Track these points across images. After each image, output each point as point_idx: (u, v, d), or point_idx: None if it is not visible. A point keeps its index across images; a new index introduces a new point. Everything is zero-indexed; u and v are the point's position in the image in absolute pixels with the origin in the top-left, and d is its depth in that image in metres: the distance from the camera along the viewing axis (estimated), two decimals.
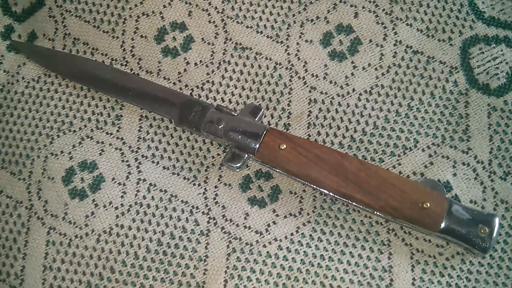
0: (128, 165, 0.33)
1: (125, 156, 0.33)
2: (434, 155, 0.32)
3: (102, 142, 0.33)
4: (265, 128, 0.30)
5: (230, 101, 0.33)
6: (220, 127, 0.30)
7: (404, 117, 0.33)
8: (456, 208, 0.28)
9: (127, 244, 0.31)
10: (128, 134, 0.33)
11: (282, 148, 0.30)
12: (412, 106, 0.33)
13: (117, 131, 0.33)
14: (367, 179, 0.29)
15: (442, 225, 0.28)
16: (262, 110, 0.31)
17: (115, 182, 0.32)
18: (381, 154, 0.32)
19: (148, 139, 0.33)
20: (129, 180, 0.32)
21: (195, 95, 0.33)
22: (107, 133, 0.33)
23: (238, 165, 0.30)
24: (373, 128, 0.32)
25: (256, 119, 0.31)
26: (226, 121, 0.30)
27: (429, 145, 0.32)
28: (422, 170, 0.32)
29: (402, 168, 0.32)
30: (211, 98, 0.33)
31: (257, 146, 0.29)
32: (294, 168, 0.29)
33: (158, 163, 0.32)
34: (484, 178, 0.32)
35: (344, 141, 0.32)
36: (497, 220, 0.28)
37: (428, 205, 0.28)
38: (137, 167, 0.33)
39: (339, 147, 0.32)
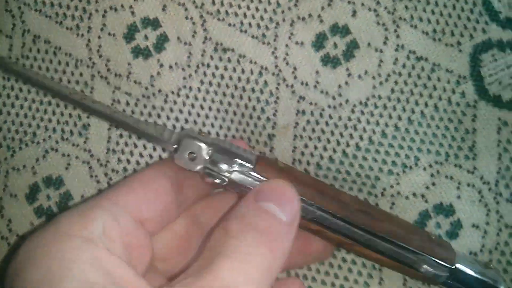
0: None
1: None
2: (436, 175, 0.28)
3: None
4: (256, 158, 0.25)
5: (210, 109, 0.29)
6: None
7: (404, 132, 0.28)
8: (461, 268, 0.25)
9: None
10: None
11: None
12: (413, 120, 0.28)
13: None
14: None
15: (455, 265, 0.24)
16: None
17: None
18: (377, 171, 0.28)
19: None
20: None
21: (170, 101, 0.29)
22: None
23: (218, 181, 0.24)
24: (368, 143, 0.28)
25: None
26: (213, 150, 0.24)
27: (431, 164, 0.28)
28: (422, 191, 0.28)
29: (401, 188, 0.28)
30: (188, 104, 0.29)
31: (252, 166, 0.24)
32: None
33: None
34: (489, 200, 0.28)
35: (335, 156, 0.28)
36: None
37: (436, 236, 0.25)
38: None
39: (329, 162, 0.28)
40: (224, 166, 0.23)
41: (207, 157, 0.24)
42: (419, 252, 0.24)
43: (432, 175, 0.28)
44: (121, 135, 0.29)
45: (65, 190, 0.29)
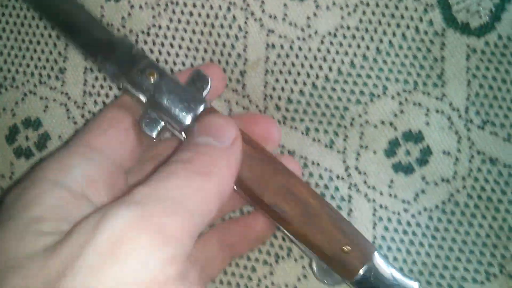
0: None
1: None
2: (404, 103, 0.28)
3: None
4: (205, 105, 0.24)
5: (180, 47, 0.29)
6: (150, 81, 0.23)
7: (372, 61, 0.28)
8: (378, 261, 0.24)
9: None
10: None
11: None
12: (381, 50, 0.28)
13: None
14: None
15: (358, 277, 0.24)
16: (210, 83, 0.25)
17: None
18: (346, 102, 0.28)
19: None
20: None
21: (141, 41, 0.29)
22: None
23: (153, 133, 0.24)
24: (337, 74, 0.28)
25: (204, 93, 0.24)
26: (161, 77, 0.24)
27: (399, 92, 0.28)
28: (391, 119, 0.28)
29: (369, 117, 0.28)
30: (158, 43, 0.29)
31: (188, 123, 0.24)
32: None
33: None
34: (460, 127, 0.28)
35: (305, 89, 0.29)
36: None
37: (349, 249, 0.24)
38: None
39: (299, 95, 0.29)
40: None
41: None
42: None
43: (400, 103, 0.28)
44: (96, 78, 0.30)
45: (43, 131, 0.30)
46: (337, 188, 0.28)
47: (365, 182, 0.28)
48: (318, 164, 0.28)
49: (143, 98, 0.24)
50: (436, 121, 0.28)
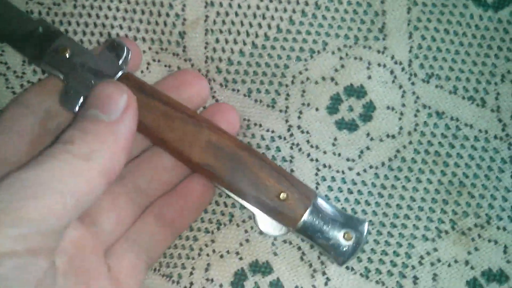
0: None
1: None
2: (345, 57, 0.27)
3: None
4: (122, 72, 0.24)
5: (117, 9, 0.28)
6: (64, 57, 0.24)
7: (311, 17, 0.28)
8: (321, 204, 0.24)
9: None
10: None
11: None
12: (320, 5, 0.28)
13: None
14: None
15: (300, 223, 0.23)
16: (127, 50, 0.24)
17: None
18: (286, 60, 0.28)
19: None
20: None
21: (79, 5, 0.28)
22: None
23: (72, 107, 0.24)
24: (276, 32, 0.28)
25: (120, 61, 0.24)
26: (74, 51, 0.24)
27: (340, 47, 0.28)
28: (332, 74, 0.27)
29: (310, 74, 0.27)
30: (96, 7, 0.28)
31: None
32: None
33: None
34: (404, 81, 0.28)
35: (245, 48, 0.28)
36: (366, 227, 0.24)
37: (286, 196, 0.23)
38: None
39: (240, 56, 0.28)
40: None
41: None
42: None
43: (341, 58, 0.27)
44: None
45: None
46: (278, 149, 0.27)
47: (307, 142, 0.28)
48: (260, 125, 0.28)
49: (60, 75, 0.24)
50: (379, 75, 0.27)
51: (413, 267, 0.27)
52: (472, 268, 0.26)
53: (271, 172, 0.23)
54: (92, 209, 0.22)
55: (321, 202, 0.24)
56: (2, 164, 0.22)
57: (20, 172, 0.19)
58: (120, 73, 0.24)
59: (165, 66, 0.29)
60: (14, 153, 0.23)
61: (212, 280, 0.27)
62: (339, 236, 0.24)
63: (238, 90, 0.28)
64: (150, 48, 0.28)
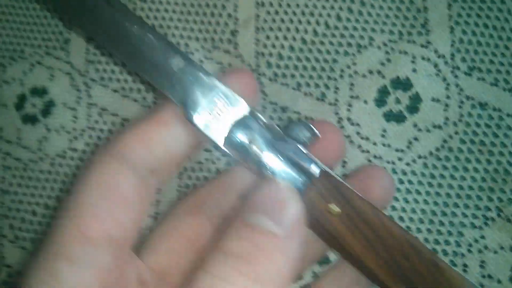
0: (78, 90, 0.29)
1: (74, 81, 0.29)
2: (391, 52, 0.27)
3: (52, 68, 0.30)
4: (319, 173, 0.19)
5: (174, 11, 0.29)
6: (251, 151, 0.18)
7: (358, 14, 0.28)
8: None
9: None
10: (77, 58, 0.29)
11: (335, 211, 0.19)
12: (365, 2, 0.28)
13: (67, 56, 0.30)
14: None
15: None
16: (316, 134, 0.20)
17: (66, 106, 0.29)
18: (334, 54, 0.28)
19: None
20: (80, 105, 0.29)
21: (139, 8, 0.29)
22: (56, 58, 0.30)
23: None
24: (325, 28, 0.28)
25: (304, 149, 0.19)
26: (264, 145, 0.18)
27: (385, 42, 0.28)
28: (379, 68, 0.27)
29: (358, 68, 0.27)
30: (154, 10, 0.29)
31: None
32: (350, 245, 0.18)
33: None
34: (447, 74, 0.27)
35: (295, 44, 0.28)
36: None
37: None
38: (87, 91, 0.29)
39: (290, 51, 0.28)
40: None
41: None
42: None
43: (386, 52, 0.27)
44: (97, 47, 0.30)
45: (49, 99, 0.29)
46: None
47: (358, 133, 0.27)
48: (311, 118, 0.28)
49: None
50: (423, 68, 0.27)
51: (463, 255, 0.26)
52: None
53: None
54: None
55: None
56: (108, 244, 0.17)
57: None
58: (318, 171, 0.19)
59: (217, 63, 0.29)
60: (118, 227, 0.17)
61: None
62: None
63: (287, 84, 0.28)
64: (203, 47, 0.29)
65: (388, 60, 0.27)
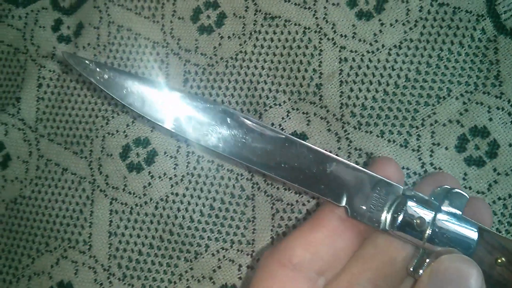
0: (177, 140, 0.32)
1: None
2: (468, 102, 0.30)
3: None
4: (478, 233, 0.19)
5: (262, 68, 0.32)
6: (419, 229, 0.19)
7: (435, 67, 0.30)
8: None
9: (183, 209, 0.31)
10: None
11: (500, 261, 0.19)
12: (442, 57, 0.30)
13: None
14: None
15: None
16: (466, 198, 0.20)
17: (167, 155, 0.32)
18: (415, 105, 0.30)
19: None
20: (180, 153, 0.32)
21: (230, 66, 0.32)
22: None
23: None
24: (405, 81, 0.30)
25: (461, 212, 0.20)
26: (429, 221, 0.19)
27: (462, 93, 0.30)
28: (457, 117, 0.29)
29: (438, 117, 0.30)
30: (244, 66, 0.32)
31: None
32: None
33: None
34: None
35: (377, 95, 0.30)
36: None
37: None
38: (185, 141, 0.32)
39: (373, 101, 0.30)
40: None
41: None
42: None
43: (464, 103, 0.29)
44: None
45: (151, 148, 0.32)
46: (415, 185, 0.29)
47: None
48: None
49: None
50: (499, 117, 0.29)
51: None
52: None
53: None
54: None
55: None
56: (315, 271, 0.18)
57: None
58: (477, 231, 0.19)
59: (303, 113, 0.31)
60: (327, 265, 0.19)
61: None
62: None
63: (371, 132, 0.30)
64: (289, 99, 0.31)
65: (466, 110, 0.29)
